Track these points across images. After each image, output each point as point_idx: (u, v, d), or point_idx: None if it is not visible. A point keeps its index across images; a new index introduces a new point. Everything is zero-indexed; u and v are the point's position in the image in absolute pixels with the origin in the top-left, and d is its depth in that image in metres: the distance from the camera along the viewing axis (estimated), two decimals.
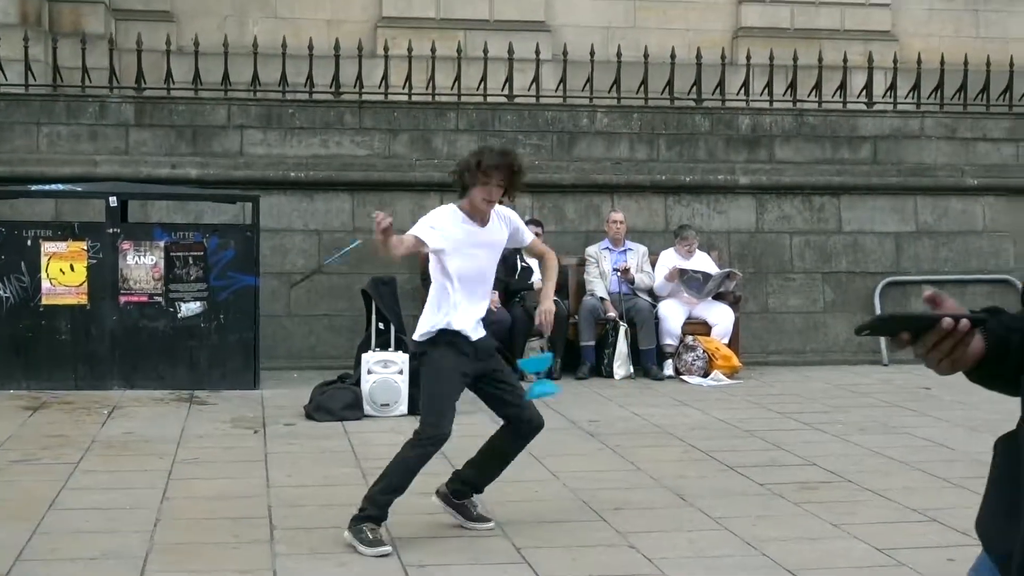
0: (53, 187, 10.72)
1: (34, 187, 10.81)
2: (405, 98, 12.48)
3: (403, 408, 9.43)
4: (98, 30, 14.78)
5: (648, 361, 11.64)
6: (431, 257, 6.19)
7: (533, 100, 12.74)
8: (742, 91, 13.11)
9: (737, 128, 12.79)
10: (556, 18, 16.81)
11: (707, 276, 11.75)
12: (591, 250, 12.06)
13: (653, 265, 12.06)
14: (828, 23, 17.10)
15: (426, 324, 6.08)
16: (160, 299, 10.44)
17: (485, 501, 6.47)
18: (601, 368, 11.62)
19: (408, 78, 12.56)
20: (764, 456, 8.10)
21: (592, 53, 12.84)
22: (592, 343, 11.67)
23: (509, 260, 11.80)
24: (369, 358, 9.47)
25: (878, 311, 12.71)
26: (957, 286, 12.97)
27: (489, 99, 12.68)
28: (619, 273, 11.84)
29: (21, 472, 7.38)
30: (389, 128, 12.25)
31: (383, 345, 9.66)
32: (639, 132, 12.63)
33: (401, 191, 12.14)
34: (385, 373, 9.43)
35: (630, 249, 12.08)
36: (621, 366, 11.56)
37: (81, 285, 10.36)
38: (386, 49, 12.79)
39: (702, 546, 5.99)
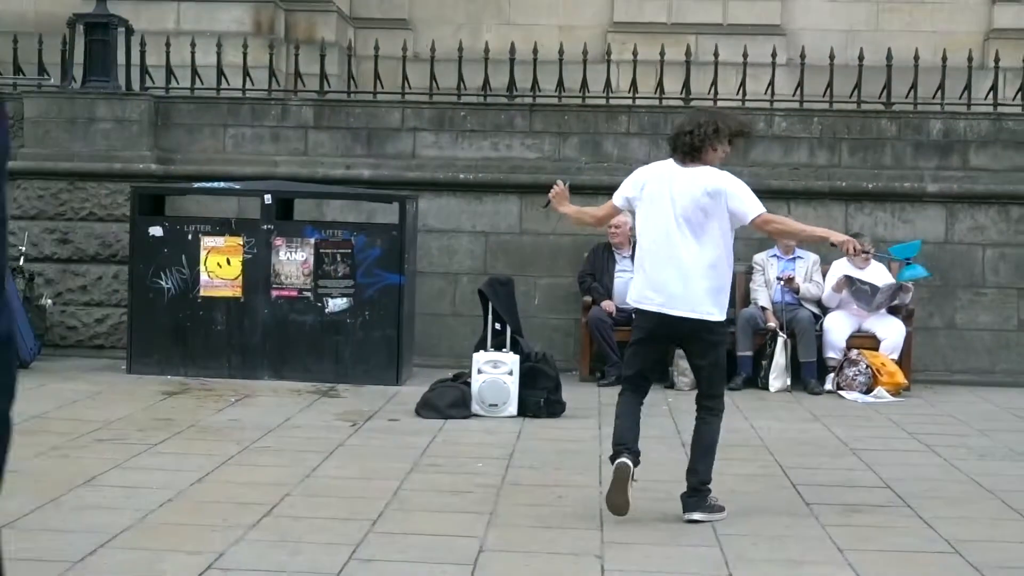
0: (213, 184, 11.26)
1: (196, 184, 11.38)
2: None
3: (512, 409, 9.42)
4: (331, 38, 15.42)
5: (807, 374, 11.18)
6: (717, 233, 6.43)
7: (711, 102, 12.44)
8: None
9: (928, 133, 12.10)
10: (794, 22, 16.42)
11: (875, 288, 11.18)
12: (758, 257, 11.69)
13: (825, 275, 11.58)
14: None
15: (724, 303, 6.54)
16: (309, 294, 10.80)
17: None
18: (758, 380, 11.24)
19: (633, 82, 12.53)
20: (842, 476, 7.68)
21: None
22: (749, 353, 11.30)
23: None
24: (480, 358, 9.51)
25: None
26: None
27: (664, 102, 12.47)
28: (782, 282, 11.42)
29: (96, 449, 7.79)
30: (559, 131, 12.24)
31: (498, 346, 9.67)
32: (820, 136, 12.14)
33: (570, 194, 12.05)
34: (495, 374, 9.44)
35: (800, 257, 11.63)
36: (777, 378, 11.14)
37: (236, 279, 10.83)
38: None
39: (677, 561, 5.75)
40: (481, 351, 9.62)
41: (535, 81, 12.54)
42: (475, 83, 12.96)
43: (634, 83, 12.68)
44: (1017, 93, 12.52)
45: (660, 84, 12.53)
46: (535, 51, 12.57)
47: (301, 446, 8.11)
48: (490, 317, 9.74)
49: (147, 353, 10.83)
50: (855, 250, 6.50)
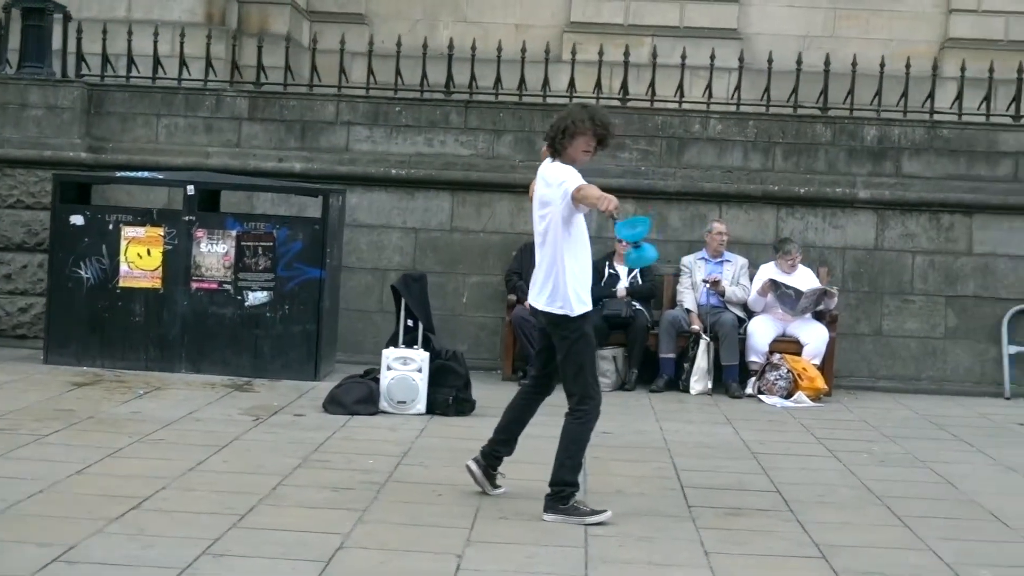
0: (136, 174, 11.18)
1: (119, 173, 11.30)
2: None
3: (420, 407, 9.35)
4: (284, 30, 15.35)
5: (729, 378, 11.14)
6: (557, 223, 6.35)
7: (647, 104, 12.40)
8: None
9: (862, 139, 12.07)
10: (751, 26, 16.38)
11: (799, 292, 11.14)
12: (687, 260, 11.65)
13: (753, 279, 11.54)
14: None
15: (586, 299, 6.45)
16: (229, 287, 10.72)
17: None
18: (679, 382, 11.19)
19: (571, 82, 12.52)
20: (735, 479, 7.63)
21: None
22: (671, 355, 11.26)
23: (598, 266, 11.56)
24: (389, 354, 9.44)
25: (1005, 341, 11.75)
26: None
27: (601, 101, 12.40)
28: (708, 284, 11.38)
29: None
30: (494, 128, 12.18)
31: (410, 343, 9.61)
32: (754, 140, 12.10)
33: (502, 192, 12.06)
34: (404, 370, 9.38)
35: (728, 260, 11.59)
36: (698, 381, 11.10)
37: (156, 270, 10.74)
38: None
39: (537, 561, 5.69)
40: (391, 347, 9.56)
41: (472, 78, 12.48)
42: (419, 79, 12.85)
43: (572, 82, 12.64)
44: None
45: (598, 83, 12.47)
46: (473, 47, 12.52)
47: (195, 440, 8.03)
48: (402, 313, 9.67)
49: (64, 343, 10.75)
50: (607, 209, 6.18)
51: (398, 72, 12.47)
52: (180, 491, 6.67)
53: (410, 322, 9.67)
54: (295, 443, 8.09)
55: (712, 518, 6.60)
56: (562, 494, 6.42)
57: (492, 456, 6.85)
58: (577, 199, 6.26)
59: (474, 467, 6.85)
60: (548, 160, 6.56)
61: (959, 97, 12.26)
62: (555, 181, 6.40)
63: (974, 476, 8.04)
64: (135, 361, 10.70)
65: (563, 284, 6.40)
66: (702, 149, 12.11)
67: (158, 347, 10.73)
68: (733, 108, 12.36)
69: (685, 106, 12.39)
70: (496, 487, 6.90)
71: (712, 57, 12.36)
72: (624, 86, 12.42)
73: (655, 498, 7.03)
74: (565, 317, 6.40)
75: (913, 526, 6.59)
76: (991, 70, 12.22)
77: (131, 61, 12.53)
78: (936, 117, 12.22)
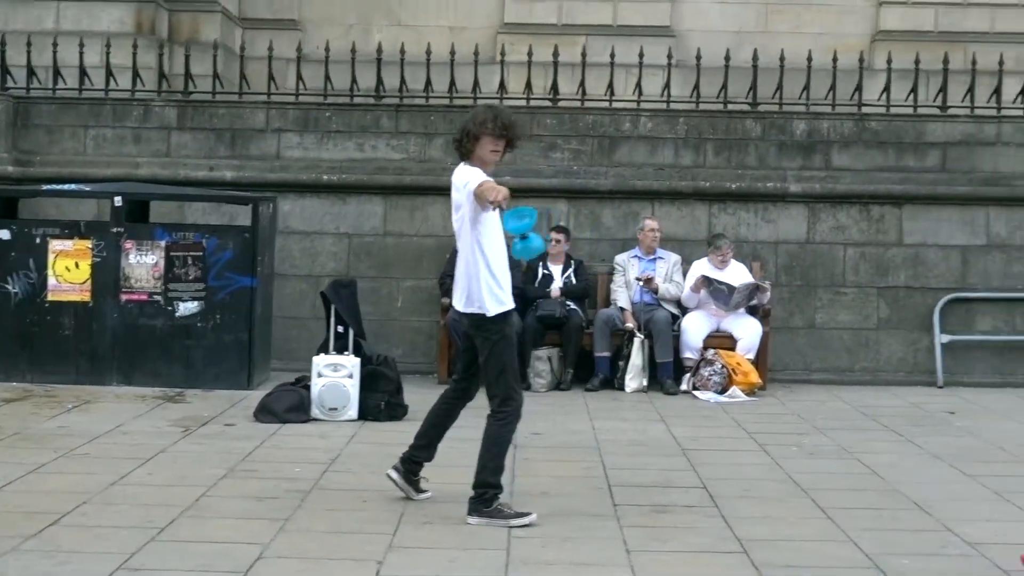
0: (63, 187, 11.08)
1: (45, 187, 11.21)
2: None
3: (352, 413, 9.32)
4: (215, 38, 15.21)
5: (664, 375, 11.17)
6: (467, 225, 6.37)
7: (578, 103, 12.41)
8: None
9: (791, 133, 12.14)
10: (683, 23, 16.44)
11: (732, 288, 11.19)
12: (620, 258, 11.68)
13: (686, 275, 11.58)
14: (976, 26, 16.17)
15: (503, 299, 6.41)
16: (159, 298, 10.64)
17: None
18: (615, 381, 11.21)
19: (501, 83, 12.54)
20: (663, 476, 7.65)
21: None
22: (606, 354, 11.28)
23: (532, 266, 11.59)
24: (319, 361, 9.41)
25: (937, 330, 11.85)
26: None
27: (532, 102, 12.42)
28: (641, 282, 11.40)
29: None
30: (425, 132, 12.15)
31: (340, 349, 9.57)
32: (685, 137, 12.14)
33: (434, 195, 12.00)
34: (334, 377, 9.34)
35: (660, 258, 11.62)
36: (633, 379, 11.12)
37: (85, 283, 10.65)
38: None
39: (458, 564, 5.68)
40: (322, 354, 9.52)
41: (403, 81, 12.45)
42: (345, 85, 12.79)
43: (502, 83, 12.65)
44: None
45: (528, 84, 12.47)
46: (402, 51, 12.48)
47: (121, 453, 7.96)
48: (332, 320, 9.64)
49: None
50: (494, 200, 6.12)
51: (327, 78, 12.43)
52: (101, 505, 6.61)
53: (340, 328, 9.64)
54: (222, 453, 8.04)
55: (637, 516, 6.62)
56: (485, 496, 6.41)
57: (411, 462, 6.83)
58: (476, 196, 6.25)
59: (394, 475, 6.84)
60: (460, 164, 6.55)
61: (887, 89, 12.35)
62: (461, 184, 6.41)
63: (900, 466, 8.10)
64: (66, 375, 10.60)
65: (478, 285, 6.40)
66: (633, 147, 12.14)
67: (89, 360, 10.63)
68: (663, 106, 12.38)
69: (616, 105, 12.41)
70: (421, 492, 6.88)
71: (641, 55, 12.40)
72: (555, 86, 12.43)
73: (581, 498, 7.03)
74: (483, 317, 6.40)
75: (836, 518, 6.63)
76: (917, 62, 12.33)
77: (57, 73, 12.42)
78: (864, 110, 12.30)
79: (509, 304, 6.48)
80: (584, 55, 12.60)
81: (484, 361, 6.48)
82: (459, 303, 6.54)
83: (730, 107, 12.38)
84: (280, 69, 13.15)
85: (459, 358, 6.92)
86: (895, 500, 7.10)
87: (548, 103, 12.44)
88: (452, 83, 12.55)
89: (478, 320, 6.43)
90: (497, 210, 6.29)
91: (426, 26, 16.15)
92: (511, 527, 6.27)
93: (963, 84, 12.50)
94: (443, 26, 16.29)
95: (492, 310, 6.39)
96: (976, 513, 6.82)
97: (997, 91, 12.26)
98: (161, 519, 6.30)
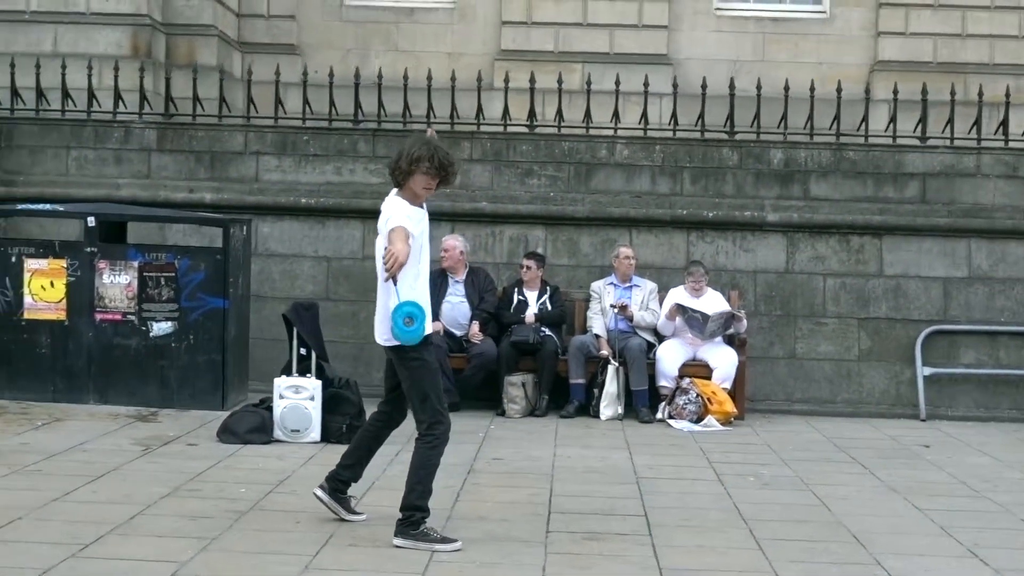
0: (36, 207, 11.19)
1: (20, 206, 11.31)
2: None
3: (315, 435, 9.34)
4: (211, 62, 15.35)
5: (639, 403, 11.13)
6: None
7: (555, 130, 12.43)
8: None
9: (768, 162, 12.12)
10: (680, 51, 16.45)
11: (706, 316, 11.16)
12: (595, 285, 11.66)
13: (662, 303, 11.55)
14: (975, 57, 16.14)
15: (411, 326, 6.33)
16: (133, 318, 10.70)
17: None
18: (590, 408, 11.18)
19: (479, 110, 12.55)
20: (606, 504, 7.62)
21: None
22: (581, 381, 11.25)
23: (507, 292, 11.61)
24: (281, 383, 9.44)
25: (919, 362, 11.77)
26: (1015, 338, 11.89)
27: (509, 129, 12.45)
28: (616, 310, 11.38)
29: None
30: None
31: (303, 371, 9.59)
32: (662, 165, 12.14)
33: None
34: (296, 399, 9.37)
35: (636, 286, 11.60)
36: (608, 406, 11.09)
37: (60, 301, 10.73)
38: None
39: None
40: (284, 376, 9.55)
41: (380, 106, 12.50)
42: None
43: (480, 110, 12.62)
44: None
45: (506, 110, 12.50)
46: (380, 76, 12.56)
47: (73, 470, 8.00)
48: (295, 342, 9.66)
49: None
50: (388, 270, 6.17)
51: (306, 101, 12.48)
52: (34, 521, 6.64)
53: (303, 351, 9.66)
54: (173, 472, 8.06)
55: (567, 543, 6.60)
56: (412, 519, 6.41)
57: (337, 480, 6.87)
58: (389, 239, 6.25)
59: (320, 493, 6.87)
60: (393, 191, 6.56)
61: (864, 119, 12.33)
62: (383, 219, 6.45)
63: (853, 498, 8.04)
64: (42, 393, 10.67)
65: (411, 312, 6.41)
66: (610, 174, 12.14)
67: (65, 379, 10.70)
68: (640, 133, 12.38)
69: (592, 132, 12.41)
70: (354, 513, 6.90)
71: (617, 82, 12.38)
72: (531, 113, 12.45)
73: (516, 524, 7.01)
74: (399, 347, 6.41)
75: (768, 549, 6.59)
76: (895, 92, 12.30)
77: (40, 95, 12.54)
78: (842, 140, 12.26)
79: (424, 330, 6.46)
80: (560, 82, 12.55)
81: (407, 388, 6.53)
82: (379, 335, 6.58)
83: (706, 135, 12.35)
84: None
85: (383, 381, 6.92)
86: (834, 532, 7.06)
87: (525, 129, 12.46)
88: (429, 108, 12.50)
89: (396, 349, 6.45)
90: (388, 280, 6.27)
91: (424, 51, 16.20)
92: (435, 551, 6.26)
93: (962, 115, 12.44)
94: (441, 52, 16.32)
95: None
96: (912, 547, 6.77)
97: (977, 122, 12.20)
98: (88, 536, 6.32)
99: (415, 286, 6.43)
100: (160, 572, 5.74)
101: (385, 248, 6.26)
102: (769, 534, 6.92)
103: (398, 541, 6.37)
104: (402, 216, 6.34)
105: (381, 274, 6.39)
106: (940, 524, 7.33)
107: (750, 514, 7.43)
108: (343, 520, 6.85)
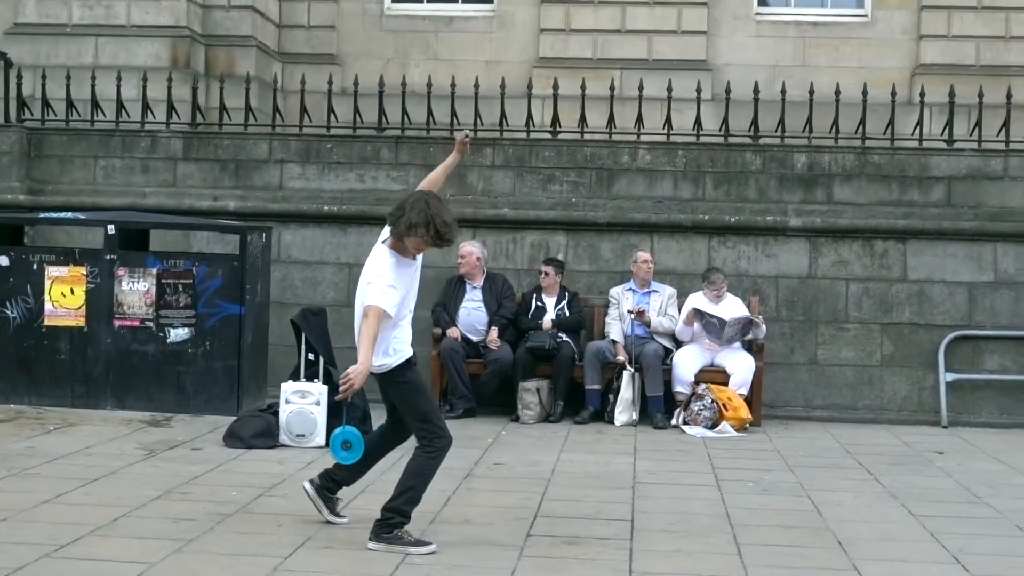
0: (59, 215, 11.36)
1: (42, 215, 11.49)
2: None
3: (320, 440, 9.38)
4: (251, 72, 15.48)
5: (654, 408, 11.08)
6: (360, 295, 6.53)
7: (577, 136, 12.42)
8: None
9: (792, 166, 12.01)
10: (719, 57, 16.37)
11: (723, 321, 11.08)
12: (615, 291, 11.62)
13: (681, 308, 11.49)
14: (1019, 59, 15.92)
15: (398, 348, 6.50)
16: (151, 324, 10.83)
17: None
18: (605, 414, 11.15)
19: (503, 116, 12.55)
20: (595, 508, 7.59)
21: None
22: (597, 387, 11.21)
23: (526, 297, 11.61)
24: (287, 388, 9.50)
25: (942, 368, 11.61)
26: None
27: (532, 135, 12.46)
28: (633, 315, 11.33)
29: None
30: (425, 163, 12.18)
31: (311, 376, 9.65)
32: (684, 170, 12.08)
33: None
34: (301, 404, 9.43)
35: (655, 291, 11.55)
36: (623, 412, 11.05)
37: (80, 308, 10.88)
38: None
39: None
40: (290, 381, 9.61)
41: (404, 113, 12.55)
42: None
43: (503, 116, 12.62)
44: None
45: (529, 116, 12.52)
46: (404, 84, 12.63)
47: (72, 474, 8.10)
48: (303, 348, 9.72)
49: None
50: (344, 391, 6.26)
51: (330, 110, 12.58)
52: (19, 523, 6.74)
53: (311, 356, 9.72)
54: (170, 476, 8.14)
55: (544, 547, 6.58)
56: (391, 521, 6.43)
57: (330, 479, 6.90)
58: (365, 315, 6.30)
59: (308, 487, 6.91)
60: (387, 231, 6.54)
61: (891, 123, 12.18)
62: (367, 272, 6.53)
63: (847, 504, 7.94)
64: (62, 398, 10.83)
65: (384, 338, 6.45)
66: (632, 179, 12.11)
67: (83, 384, 10.85)
68: (663, 138, 12.33)
69: (615, 137, 12.38)
70: (337, 515, 6.92)
71: (640, 87, 12.38)
72: (556, 119, 12.44)
73: (498, 528, 7.00)
74: (384, 372, 6.49)
75: (746, 554, 6.53)
76: (922, 94, 12.17)
77: (70, 105, 12.74)
78: (868, 143, 12.13)
79: (406, 353, 6.53)
80: (584, 88, 12.51)
81: (403, 411, 6.64)
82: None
83: (730, 140, 12.27)
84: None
85: (384, 402, 6.91)
86: (818, 538, 6.97)
87: (548, 135, 12.46)
88: (452, 113, 12.56)
89: (380, 375, 6.51)
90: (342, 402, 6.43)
91: (463, 60, 16.27)
92: (408, 554, 6.28)
93: (997, 118, 12.27)
94: (479, 60, 16.38)
95: (388, 365, 6.47)
96: (895, 553, 6.68)
97: (1006, 124, 12.02)
98: (66, 537, 6.40)
99: (397, 336, 6.51)
100: (127, 572, 5.79)
101: (346, 372, 6.24)
102: (752, 539, 6.86)
103: (372, 545, 6.39)
104: (385, 283, 6.39)
105: (362, 305, 6.42)
106: (931, 530, 7.23)
107: (738, 519, 7.36)
108: (326, 522, 6.87)
